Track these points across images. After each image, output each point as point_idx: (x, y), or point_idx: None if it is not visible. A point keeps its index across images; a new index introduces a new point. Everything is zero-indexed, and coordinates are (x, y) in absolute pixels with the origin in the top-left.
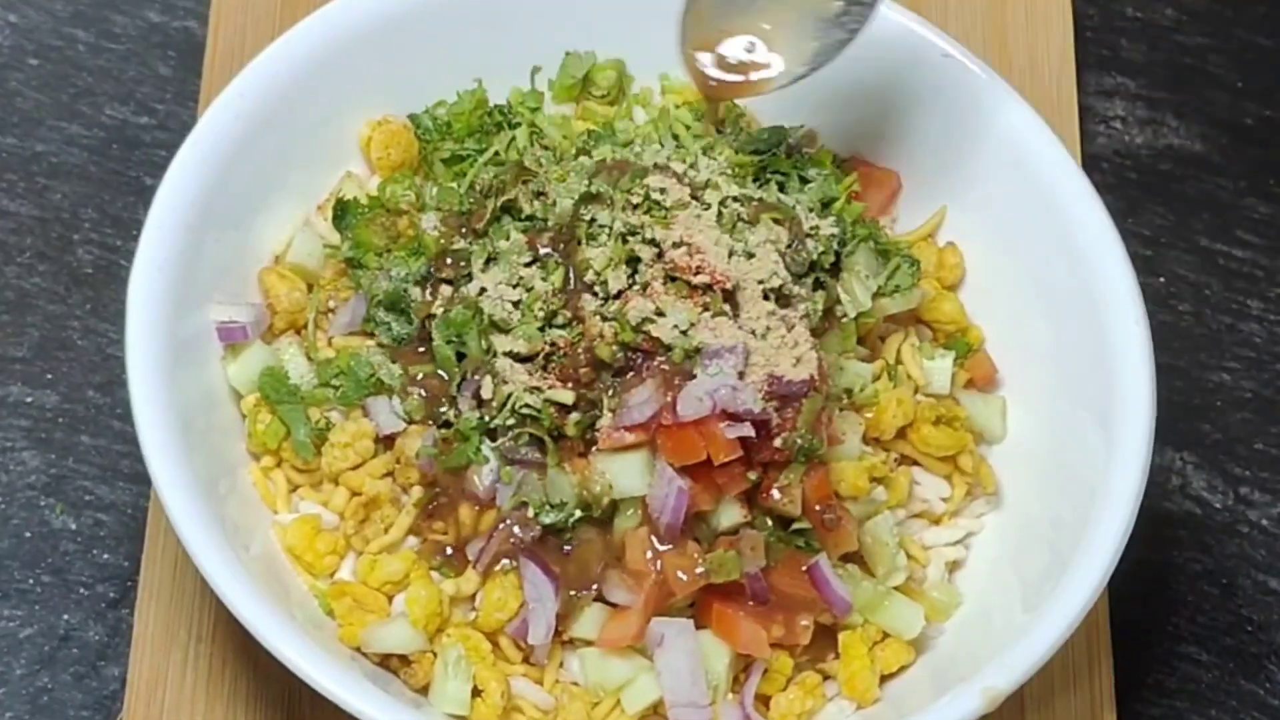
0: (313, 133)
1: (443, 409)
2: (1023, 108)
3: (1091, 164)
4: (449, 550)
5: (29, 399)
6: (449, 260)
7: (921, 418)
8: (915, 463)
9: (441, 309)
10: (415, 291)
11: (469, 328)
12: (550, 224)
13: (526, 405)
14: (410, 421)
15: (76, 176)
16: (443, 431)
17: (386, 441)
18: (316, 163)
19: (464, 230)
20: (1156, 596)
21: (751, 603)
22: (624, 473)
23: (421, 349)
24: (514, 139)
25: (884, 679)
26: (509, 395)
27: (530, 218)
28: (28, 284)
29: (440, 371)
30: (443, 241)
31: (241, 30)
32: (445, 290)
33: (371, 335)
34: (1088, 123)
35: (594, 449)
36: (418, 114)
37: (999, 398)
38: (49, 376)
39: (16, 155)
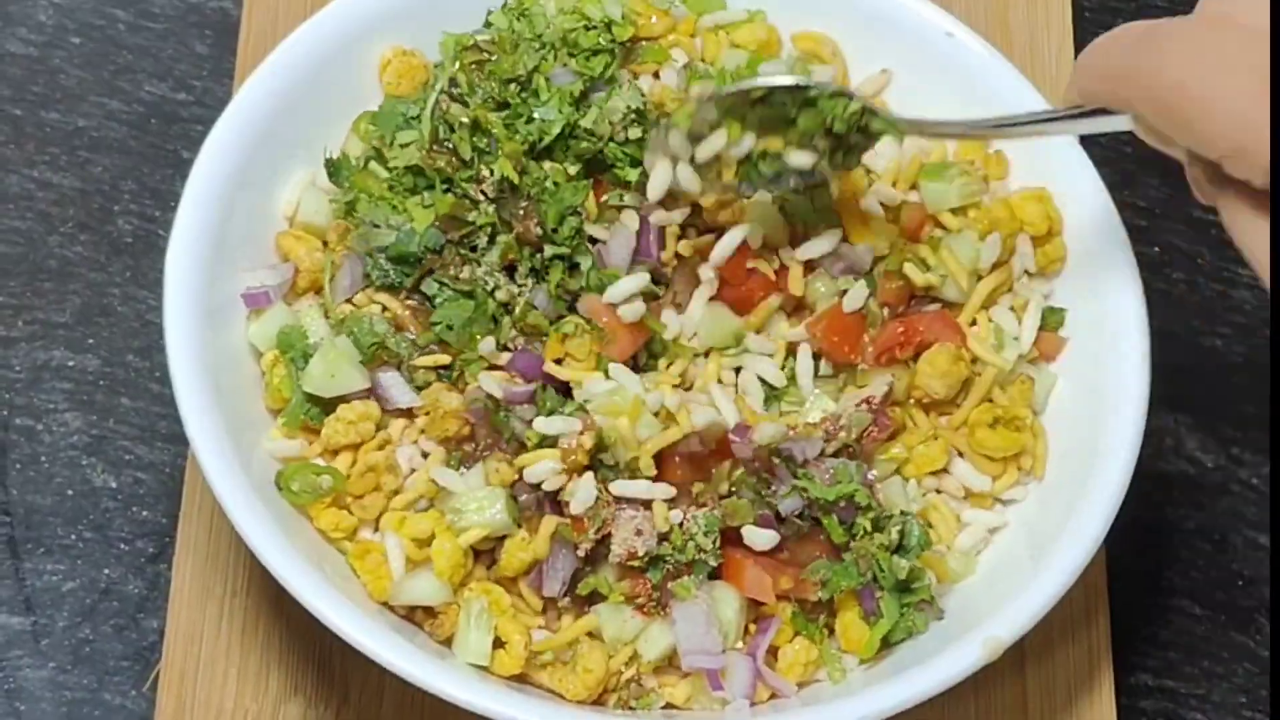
0: (340, 109)
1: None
2: (1024, 85)
3: (1090, 139)
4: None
5: (71, 363)
6: (456, 223)
7: (978, 420)
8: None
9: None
10: (429, 256)
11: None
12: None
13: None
14: (421, 388)
15: (117, 150)
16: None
17: (394, 413)
18: (344, 138)
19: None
20: (1152, 552)
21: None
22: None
23: (429, 314)
24: None
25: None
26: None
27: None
28: (70, 253)
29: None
30: (452, 200)
31: (274, 11)
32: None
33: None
34: None
35: None
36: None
37: (1052, 374)
38: (90, 341)
39: (60, 130)
